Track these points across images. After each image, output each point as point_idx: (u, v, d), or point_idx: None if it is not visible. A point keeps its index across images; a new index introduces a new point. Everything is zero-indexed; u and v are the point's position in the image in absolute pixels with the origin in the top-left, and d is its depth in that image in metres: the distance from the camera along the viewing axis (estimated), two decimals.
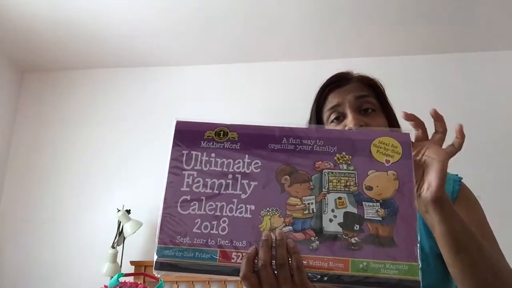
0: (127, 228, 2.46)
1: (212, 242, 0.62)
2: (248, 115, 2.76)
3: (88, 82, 3.05)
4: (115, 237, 2.51)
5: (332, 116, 0.91)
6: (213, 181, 0.66)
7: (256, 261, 0.59)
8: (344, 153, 0.67)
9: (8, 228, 2.75)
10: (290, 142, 0.69)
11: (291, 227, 0.63)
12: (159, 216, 0.64)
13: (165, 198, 0.66)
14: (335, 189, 0.65)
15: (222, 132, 0.71)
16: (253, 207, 0.64)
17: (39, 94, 3.05)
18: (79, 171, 2.82)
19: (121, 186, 2.76)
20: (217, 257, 0.61)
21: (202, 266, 0.61)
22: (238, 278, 0.61)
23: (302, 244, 0.61)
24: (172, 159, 0.70)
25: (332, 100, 0.92)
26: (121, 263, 2.48)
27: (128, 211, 2.53)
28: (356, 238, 0.62)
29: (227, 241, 0.62)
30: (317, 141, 0.68)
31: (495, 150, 2.59)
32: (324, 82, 0.96)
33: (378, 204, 0.64)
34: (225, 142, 0.70)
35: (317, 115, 0.95)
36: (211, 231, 0.63)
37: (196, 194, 0.65)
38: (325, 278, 0.60)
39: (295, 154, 0.68)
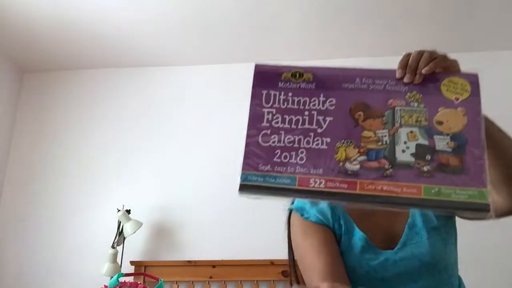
0: (127, 228, 2.46)
1: (292, 170, 0.67)
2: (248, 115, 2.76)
3: (88, 82, 3.04)
4: (115, 237, 2.51)
5: None
6: (291, 117, 0.71)
7: None
8: (414, 92, 0.72)
9: (8, 228, 2.74)
10: (363, 82, 0.73)
11: (365, 157, 0.67)
12: (243, 147, 0.70)
13: (247, 133, 0.71)
14: (407, 123, 0.70)
15: (298, 74, 0.75)
16: (328, 140, 0.69)
17: (39, 94, 3.05)
18: (79, 171, 2.82)
19: (121, 186, 2.76)
20: (296, 182, 0.66)
21: (283, 189, 0.66)
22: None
23: (376, 172, 0.66)
24: (252, 98, 0.75)
25: None
26: (121, 263, 2.48)
27: (128, 211, 2.53)
28: (428, 167, 0.66)
29: (305, 169, 0.67)
30: (389, 81, 0.74)
31: None
32: None
33: (448, 137, 0.68)
34: (301, 83, 0.74)
35: None
36: (290, 160, 0.68)
37: (275, 129, 0.71)
38: (399, 202, 0.64)
39: (368, 92, 0.73)
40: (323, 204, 0.96)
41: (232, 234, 2.58)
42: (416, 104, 0.71)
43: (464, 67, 0.76)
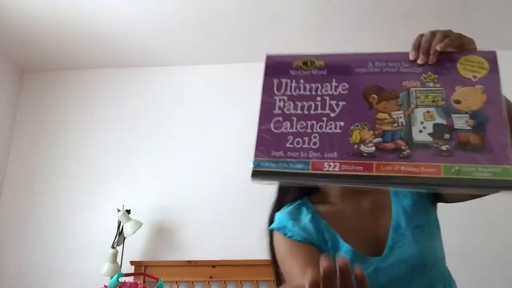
0: (127, 228, 2.46)
1: (305, 154, 0.66)
2: (248, 115, 2.76)
3: (88, 82, 3.04)
4: (115, 237, 2.51)
5: None
6: (303, 104, 0.70)
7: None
8: (429, 72, 0.70)
9: (8, 228, 2.74)
10: (376, 65, 0.72)
11: (380, 139, 0.66)
12: (255, 134, 0.69)
13: (259, 120, 0.70)
14: (423, 104, 0.67)
15: (309, 61, 0.74)
16: (342, 123, 0.68)
17: (39, 94, 3.05)
18: (79, 171, 2.82)
19: (121, 186, 2.76)
20: (310, 167, 0.65)
21: (296, 174, 0.65)
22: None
23: (392, 153, 0.64)
24: (264, 86, 0.74)
25: None
26: (121, 263, 2.48)
27: (128, 211, 2.53)
28: (446, 146, 0.64)
29: (319, 153, 0.66)
30: (402, 63, 0.72)
31: None
32: None
33: (467, 115, 0.65)
34: (312, 70, 0.73)
35: None
36: (303, 145, 0.67)
37: (287, 115, 0.70)
38: (417, 182, 0.62)
39: (381, 75, 0.71)
40: (306, 221, 0.93)
41: (232, 234, 2.58)
42: (432, 84, 0.69)
43: None
